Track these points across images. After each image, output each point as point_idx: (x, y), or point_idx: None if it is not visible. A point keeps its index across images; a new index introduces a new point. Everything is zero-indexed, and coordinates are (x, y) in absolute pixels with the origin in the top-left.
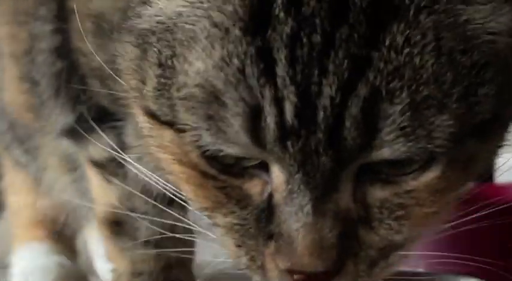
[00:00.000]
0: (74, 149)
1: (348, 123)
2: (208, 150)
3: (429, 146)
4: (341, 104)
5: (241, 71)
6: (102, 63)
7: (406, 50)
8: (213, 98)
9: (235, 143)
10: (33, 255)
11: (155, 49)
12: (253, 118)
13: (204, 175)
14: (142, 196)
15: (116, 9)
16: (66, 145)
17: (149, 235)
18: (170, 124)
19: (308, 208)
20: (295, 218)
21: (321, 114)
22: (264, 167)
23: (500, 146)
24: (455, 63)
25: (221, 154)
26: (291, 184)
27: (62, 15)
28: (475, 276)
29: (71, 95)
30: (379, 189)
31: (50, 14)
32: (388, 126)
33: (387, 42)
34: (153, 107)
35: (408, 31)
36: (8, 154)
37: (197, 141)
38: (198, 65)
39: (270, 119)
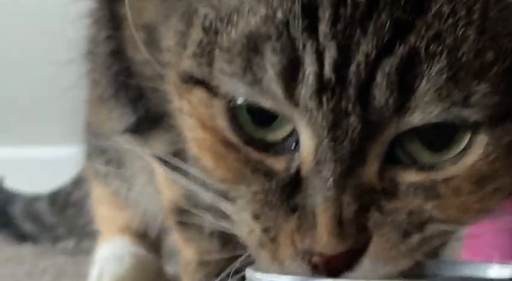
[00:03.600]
0: (138, 147)
1: (379, 81)
2: (236, 114)
3: (465, 112)
4: (375, 62)
5: (285, 24)
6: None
7: (450, 21)
8: (253, 48)
9: (269, 93)
10: (113, 246)
11: (200, 13)
12: (291, 70)
13: (227, 144)
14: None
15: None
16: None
17: (213, 227)
18: (204, 83)
19: (330, 181)
20: (318, 193)
21: (354, 69)
22: (291, 140)
23: None
24: (498, 44)
25: (255, 105)
26: (319, 153)
27: (114, 22)
28: None
29: (131, 96)
30: (413, 173)
31: (103, 19)
32: (422, 86)
33: (433, 11)
34: (190, 68)
35: (455, 3)
36: (89, 164)
37: (229, 102)
38: (243, 23)
39: (309, 71)
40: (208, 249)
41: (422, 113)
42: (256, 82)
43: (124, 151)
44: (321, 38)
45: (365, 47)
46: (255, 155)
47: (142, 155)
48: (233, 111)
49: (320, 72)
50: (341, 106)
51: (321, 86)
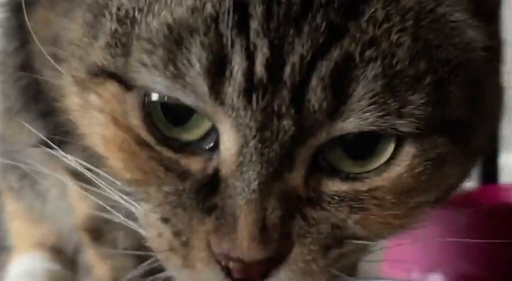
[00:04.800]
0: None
1: (314, 84)
2: (150, 112)
3: (398, 122)
4: (311, 65)
5: (214, 18)
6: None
7: (385, 26)
8: (177, 40)
9: (192, 89)
10: (27, 262)
11: (113, 3)
12: (218, 67)
13: (140, 142)
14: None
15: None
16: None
17: (128, 244)
18: (117, 76)
19: (255, 184)
20: (240, 195)
21: (288, 70)
22: (208, 140)
23: (474, 162)
24: (430, 54)
25: (172, 102)
26: (242, 155)
27: (23, 34)
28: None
29: (41, 110)
30: (337, 182)
31: (12, 30)
32: (357, 92)
33: (366, 15)
34: (102, 60)
35: (389, 9)
36: (3, 178)
37: (144, 98)
38: (167, 12)
39: (237, 69)
40: (122, 266)
41: (357, 119)
42: (178, 76)
43: (37, 165)
44: (252, 35)
45: (300, 48)
46: (169, 154)
47: (55, 170)
48: (147, 108)
49: (250, 71)
50: (273, 107)
51: (250, 85)
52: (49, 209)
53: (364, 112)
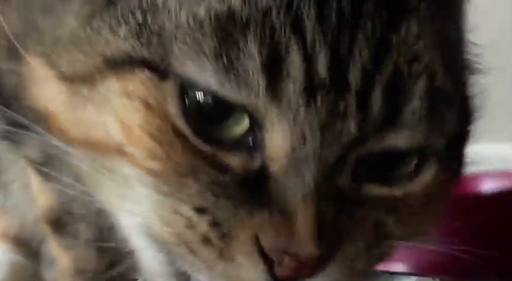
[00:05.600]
0: (12, 151)
1: (377, 91)
2: (186, 104)
3: (439, 140)
4: (371, 72)
5: (267, 13)
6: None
7: (423, 42)
8: (228, 32)
9: (246, 85)
10: None
11: None
12: (273, 64)
13: (176, 132)
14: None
15: None
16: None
17: (89, 236)
18: (150, 65)
19: (311, 182)
20: (297, 192)
21: (354, 74)
22: (248, 137)
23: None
24: (454, 74)
25: (224, 97)
26: (297, 154)
27: None
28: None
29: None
30: (375, 186)
31: None
32: (410, 104)
33: (406, 29)
34: (127, 49)
35: (423, 26)
36: None
37: (181, 88)
38: (214, 1)
39: (296, 67)
40: (84, 257)
41: (409, 131)
42: (231, 70)
43: None
44: (309, 35)
45: (359, 55)
46: (206, 148)
47: (17, 162)
48: (184, 99)
49: (309, 71)
50: (338, 109)
51: (310, 85)
52: (12, 201)
53: (415, 125)
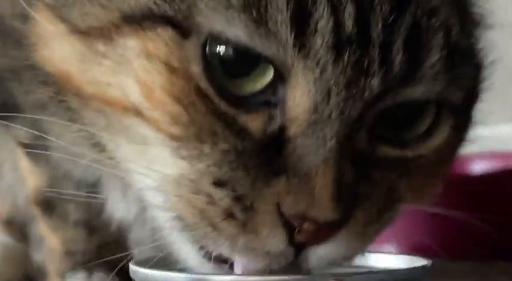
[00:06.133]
0: (1, 132)
1: (398, 45)
2: (209, 62)
3: (456, 92)
4: (392, 26)
5: None
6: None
7: None
8: None
9: (274, 38)
10: None
11: None
12: (301, 17)
13: (199, 92)
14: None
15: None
16: None
17: (78, 217)
18: (173, 22)
19: (333, 142)
20: (317, 153)
21: (376, 29)
22: (270, 96)
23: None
24: (469, 29)
25: (253, 49)
26: (318, 111)
27: None
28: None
29: None
30: (389, 148)
31: None
32: (429, 59)
33: None
34: (150, 6)
35: None
36: None
37: (204, 45)
38: None
39: (325, 22)
40: (73, 238)
41: (426, 86)
42: (260, 22)
43: None
44: None
45: (381, 7)
46: (227, 109)
47: (6, 143)
48: (207, 57)
49: (336, 25)
50: (363, 64)
51: (338, 40)
52: (2, 183)
53: (434, 80)
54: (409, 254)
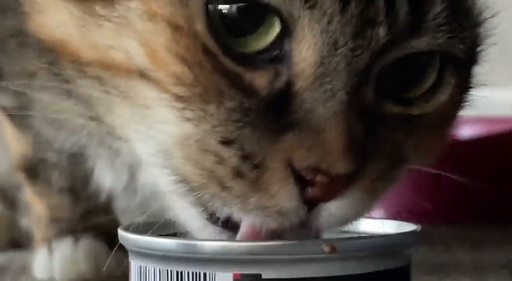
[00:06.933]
0: None
1: None
2: (212, 19)
3: (459, 46)
4: None
5: None
6: None
7: None
8: None
9: None
10: None
11: None
12: None
13: (205, 51)
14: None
15: None
16: None
17: (63, 184)
18: None
19: (342, 94)
20: (326, 106)
21: None
22: (273, 52)
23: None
24: None
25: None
26: (325, 64)
27: None
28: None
29: None
30: (395, 105)
31: None
32: (433, 11)
33: None
34: None
35: None
36: None
37: (207, 2)
38: None
39: None
40: (58, 205)
41: (430, 38)
42: None
43: None
44: None
45: None
46: (232, 67)
47: None
48: (210, 14)
49: None
50: (369, 14)
51: None
52: None
53: (437, 32)
54: (396, 219)
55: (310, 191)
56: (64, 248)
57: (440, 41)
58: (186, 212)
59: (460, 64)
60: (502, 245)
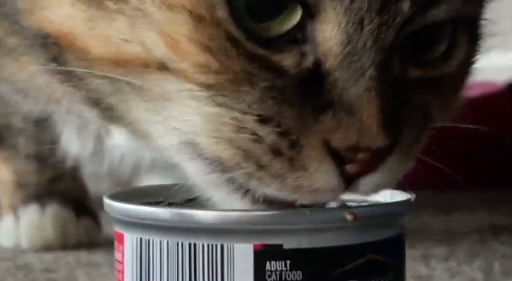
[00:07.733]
0: None
1: None
2: (234, 6)
3: (474, 6)
4: None
5: None
6: None
7: None
8: None
9: None
10: None
11: None
12: None
13: (229, 38)
14: None
15: None
16: None
17: (29, 150)
18: None
19: (372, 70)
20: (357, 84)
21: None
22: (296, 33)
23: None
24: None
25: None
26: (352, 43)
27: None
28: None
29: None
30: (417, 69)
31: None
32: None
33: None
34: None
35: None
36: None
37: None
38: None
39: None
40: (25, 170)
41: (448, 6)
42: None
43: None
44: None
45: None
46: (258, 51)
47: None
48: (231, 1)
49: None
50: None
51: None
52: None
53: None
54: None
55: (351, 168)
56: (30, 214)
57: (458, 7)
58: (220, 193)
59: (473, 21)
60: (471, 211)
